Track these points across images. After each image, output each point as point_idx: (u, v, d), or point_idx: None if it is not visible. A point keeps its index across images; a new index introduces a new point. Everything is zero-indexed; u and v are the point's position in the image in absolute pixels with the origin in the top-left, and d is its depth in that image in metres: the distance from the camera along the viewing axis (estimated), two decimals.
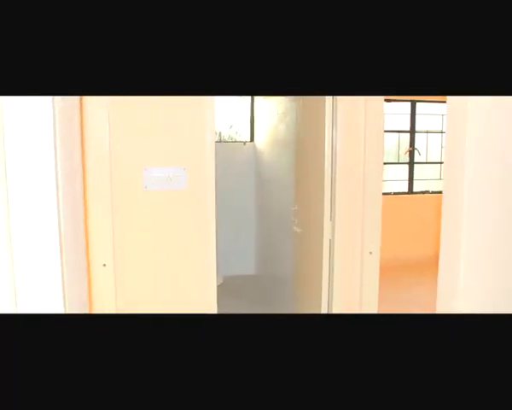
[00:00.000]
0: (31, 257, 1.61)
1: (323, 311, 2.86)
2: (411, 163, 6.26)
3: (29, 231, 1.60)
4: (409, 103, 6.15)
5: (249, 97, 5.49)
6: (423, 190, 6.31)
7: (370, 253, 2.83)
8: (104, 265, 2.51)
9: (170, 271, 2.64)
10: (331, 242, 2.84)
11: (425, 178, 6.33)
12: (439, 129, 6.31)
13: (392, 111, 6.07)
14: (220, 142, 5.47)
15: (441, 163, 6.28)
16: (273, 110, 4.43)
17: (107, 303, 2.52)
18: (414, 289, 5.03)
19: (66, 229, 1.76)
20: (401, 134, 6.19)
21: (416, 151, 6.22)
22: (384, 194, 3.55)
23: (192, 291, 2.67)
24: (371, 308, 2.86)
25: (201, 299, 2.67)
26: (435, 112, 6.27)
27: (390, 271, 4.49)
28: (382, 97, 2.84)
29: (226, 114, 5.53)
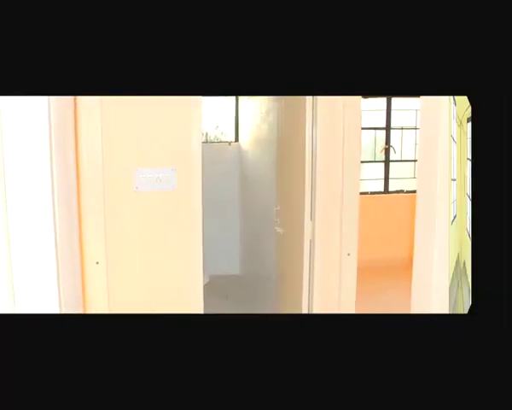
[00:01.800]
0: (27, 255, 1.65)
1: (304, 311, 2.89)
2: (387, 161, 6.16)
3: (24, 229, 1.64)
4: (384, 99, 6.04)
5: (234, 97, 5.48)
6: (398, 189, 6.20)
7: (348, 254, 2.87)
8: (97, 262, 2.56)
9: (159, 270, 2.70)
10: (311, 242, 2.87)
11: (400, 176, 6.21)
12: (414, 125, 6.18)
13: (368, 107, 5.96)
14: (206, 142, 5.46)
15: (415, 161, 6.12)
16: (256, 110, 4.43)
17: (100, 301, 2.57)
18: (389, 292, 4.90)
19: (61, 226, 1.80)
20: (377, 131, 6.11)
21: (391, 149, 6.15)
22: (361, 193, 3.58)
23: (180, 291, 2.73)
24: (349, 309, 2.90)
25: (188, 298, 2.73)
26: (410, 107, 6.14)
27: (366, 273, 4.45)
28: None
29: (212, 114, 5.52)
